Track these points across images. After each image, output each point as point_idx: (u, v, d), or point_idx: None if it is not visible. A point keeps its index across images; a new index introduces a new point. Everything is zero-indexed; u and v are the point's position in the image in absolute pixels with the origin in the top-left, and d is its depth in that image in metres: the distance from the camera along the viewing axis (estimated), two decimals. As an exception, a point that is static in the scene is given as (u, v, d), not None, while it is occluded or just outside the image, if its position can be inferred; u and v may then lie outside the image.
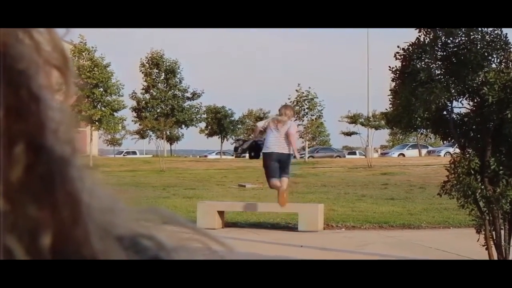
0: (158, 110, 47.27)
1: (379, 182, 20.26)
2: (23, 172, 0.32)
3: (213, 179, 23.25)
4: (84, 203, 0.35)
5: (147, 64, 48.88)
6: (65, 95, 0.37)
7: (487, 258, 5.38)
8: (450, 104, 5.47)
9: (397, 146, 56.99)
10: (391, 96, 5.73)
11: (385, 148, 62.50)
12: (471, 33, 5.31)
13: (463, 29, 5.28)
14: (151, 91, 48.29)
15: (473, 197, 5.27)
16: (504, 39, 5.33)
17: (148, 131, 41.38)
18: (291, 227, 10.35)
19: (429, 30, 5.41)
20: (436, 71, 5.46)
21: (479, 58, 5.19)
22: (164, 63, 48.88)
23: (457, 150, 5.63)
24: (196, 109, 49.48)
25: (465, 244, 7.29)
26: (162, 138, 42.00)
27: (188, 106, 49.03)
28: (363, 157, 40.63)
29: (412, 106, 5.27)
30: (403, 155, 45.60)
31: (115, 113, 32.96)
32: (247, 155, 10.55)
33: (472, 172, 5.26)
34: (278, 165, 9.35)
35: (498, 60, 5.37)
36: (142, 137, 46.44)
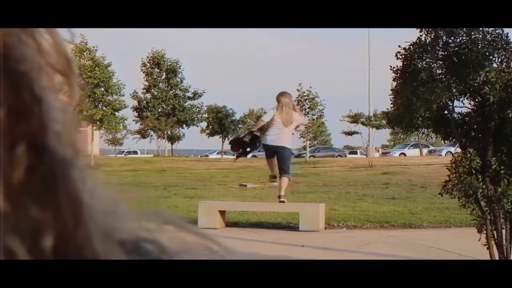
0: (159, 110, 47.23)
1: (380, 182, 20.25)
2: (25, 173, 0.32)
3: (214, 178, 23.25)
4: (86, 205, 0.35)
5: (148, 64, 48.84)
6: (69, 97, 0.37)
7: (488, 257, 5.37)
8: (451, 104, 5.47)
9: (398, 146, 56.98)
10: (392, 96, 5.73)
11: (386, 148, 62.47)
12: (472, 33, 5.30)
13: (464, 29, 5.27)
14: (152, 90, 48.25)
15: (474, 197, 5.27)
16: (505, 38, 5.33)
17: (149, 130, 41.39)
18: (292, 227, 10.35)
19: (430, 29, 5.40)
20: (437, 70, 5.45)
21: (480, 57, 5.19)
22: (165, 62, 48.83)
23: (458, 150, 5.63)
24: (197, 109, 49.47)
25: (466, 243, 7.28)
26: (163, 138, 42.00)
27: (189, 106, 49.00)
28: (364, 156, 40.62)
29: (413, 105, 5.26)
30: (404, 154, 45.56)
31: (116, 113, 32.98)
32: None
33: (473, 171, 5.26)
34: (276, 158, 9.41)
35: (499, 59, 5.37)
36: (143, 136, 46.45)
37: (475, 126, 5.45)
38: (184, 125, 49.38)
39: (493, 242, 5.40)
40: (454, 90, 5.27)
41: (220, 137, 51.09)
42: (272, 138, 9.43)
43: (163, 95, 47.77)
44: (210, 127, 51.16)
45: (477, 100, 5.40)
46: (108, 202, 0.37)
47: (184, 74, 50.74)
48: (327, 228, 10.36)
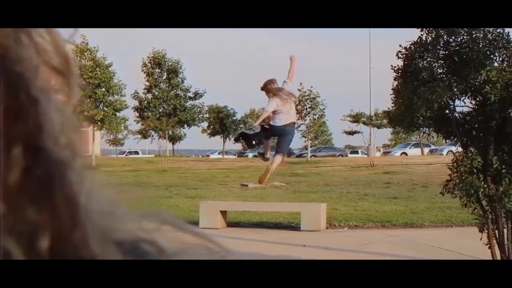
0: (160, 110, 47.27)
1: (381, 181, 20.26)
2: (21, 174, 0.32)
3: (215, 178, 23.27)
4: (82, 206, 0.34)
5: (149, 64, 48.87)
6: (68, 98, 0.37)
7: (490, 257, 5.37)
8: (452, 103, 5.46)
9: (399, 145, 56.92)
10: (393, 95, 5.73)
11: (387, 147, 62.45)
12: (473, 32, 5.30)
13: (465, 28, 5.27)
14: (153, 91, 48.28)
15: (475, 196, 5.27)
16: (506, 37, 5.32)
17: (150, 131, 41.44)
18: (294, 227, 10.36)
19: (431, 29, 5.40)
20: (438, 70, 5.45)
21: (481, 56, 5.18)
22: (166, 63, 48.86)
23: (460, 149, 5.62)
24: (198, 109, 49.50)
25: (467, 243, 7.28)
26: (164, 138, 42.05)
27: (190, 106, 49.03)
28: (366, 156, 40.63)
29: (414, 105, 5.26)
30: (406, 154, 45.54)
31: (117, 113, 33.01)
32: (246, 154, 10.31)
33: (475, 170, 5.25)
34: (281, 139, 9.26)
35: (500, 58, 5.37)
36: (145, 137, 46.50)
37: (476, 125, 5.45)
38: (185, 125, 49.42)
39: (494, 241, 5.39)
40: (455, 89, 5.27)
41: (221, 137, 51.11)
42: (281, 117, 9.38)
43: (164, 95, 47.80)
44: (211, 127, 51.17)
45: (478, 99, 5.39)
46: (106, 203, 0.37)
47: (185, 74, 50.85)
48: (329, 228, 10.36)
